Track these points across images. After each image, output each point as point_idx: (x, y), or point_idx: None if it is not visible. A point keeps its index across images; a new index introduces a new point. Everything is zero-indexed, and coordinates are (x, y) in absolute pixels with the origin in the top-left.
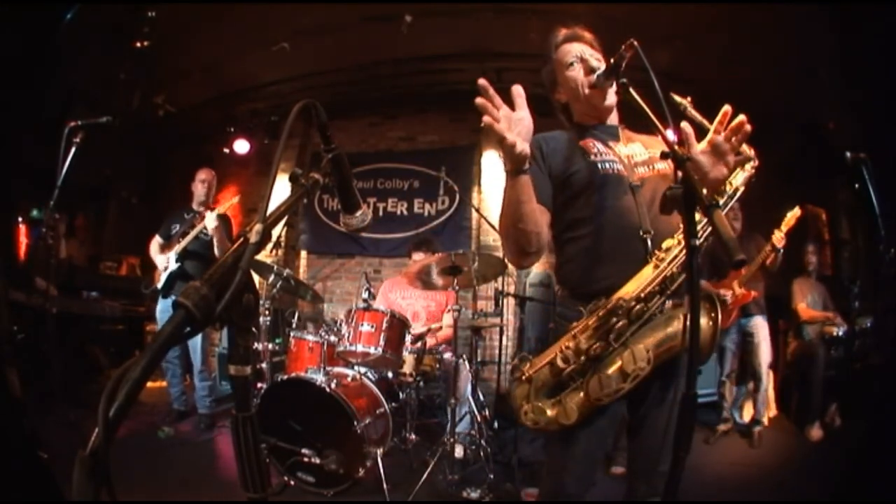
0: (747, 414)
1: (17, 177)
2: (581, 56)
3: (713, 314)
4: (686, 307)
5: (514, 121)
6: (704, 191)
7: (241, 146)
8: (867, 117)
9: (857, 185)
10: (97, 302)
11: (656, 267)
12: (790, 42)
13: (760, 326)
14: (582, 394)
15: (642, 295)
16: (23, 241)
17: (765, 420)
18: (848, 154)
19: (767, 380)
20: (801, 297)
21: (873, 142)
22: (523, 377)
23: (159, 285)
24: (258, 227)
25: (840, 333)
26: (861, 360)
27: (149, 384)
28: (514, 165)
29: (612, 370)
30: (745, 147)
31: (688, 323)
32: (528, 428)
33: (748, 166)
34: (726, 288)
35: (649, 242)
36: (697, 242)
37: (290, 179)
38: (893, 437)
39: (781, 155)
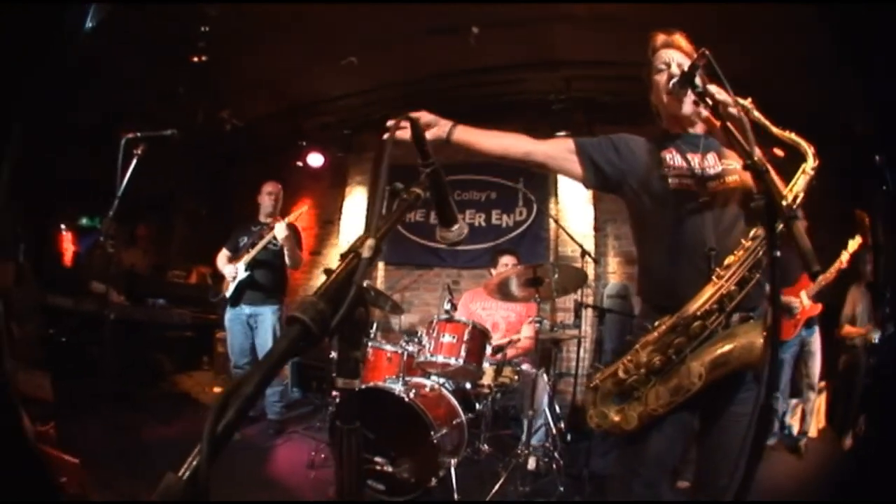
0: (796, 426)
1: (54, 184)
2: (669, 63)
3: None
4: (761, 318)
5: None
6: (784, 202)
7: (316, 159)
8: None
9: (885, 188)
10: (165, 309)
11: (714, 284)
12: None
13: (818, 339)
14: (642, 404)
15: (699, 312)
16: (68, 248)
17: (813, 432)
18: (877, 157)
19: (817, 392)
20: (850, 307)
21: None
22: (591, 385)
23: (227, 293)
24: (370, 241)
25: (877, 341)
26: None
27: (218, 390)
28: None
29: (669, 383)
30: (800, 140)
31: (766, 333)
32: (594, 430)
33: (808, 168)
34: (794, 296)
35: (712, 260)
36: (778, 253)
37: (392, 194)
38: None
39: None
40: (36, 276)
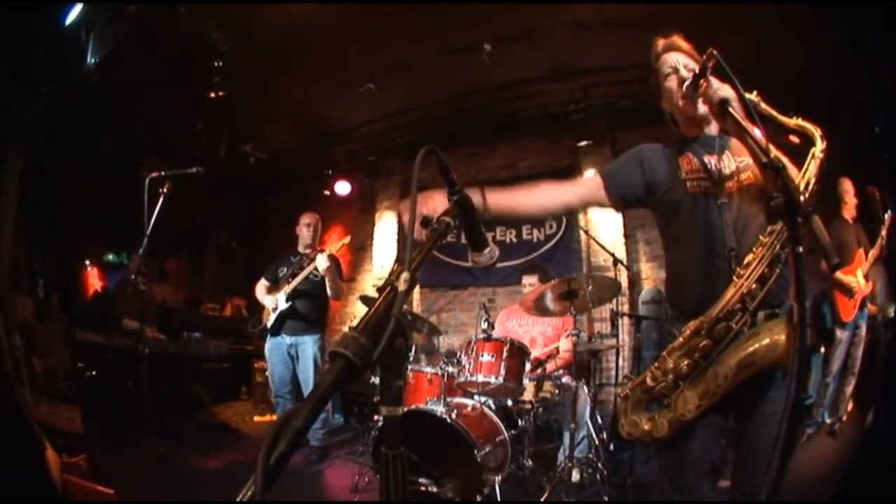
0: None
1: (78, 221)
2: (676, 66)
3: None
4: (786, 315)
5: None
6: (802, 198)
7: (343, 188)
8: None
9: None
10: (201, 342)
11: (735, 284)
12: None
13: (866, 319)
14: (671, 410)
15: (721, 314)
16: (94, 283)
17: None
18: (876, 128)
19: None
20: (872, 285)
21: None
22: (622, 395)
23: (268, 324)
24: (405, 274)
25: (893, 314)
26: None
27: (258, 419)
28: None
29: (697, 388)
30: (807, 125)
31: (791, 330)
32: (624, 439)
33: (817, 151)
34: (851, 274)
35: (733, 260)
36: (801, 249)
37: (423, 224)
38: None
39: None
40: (64, 312)
